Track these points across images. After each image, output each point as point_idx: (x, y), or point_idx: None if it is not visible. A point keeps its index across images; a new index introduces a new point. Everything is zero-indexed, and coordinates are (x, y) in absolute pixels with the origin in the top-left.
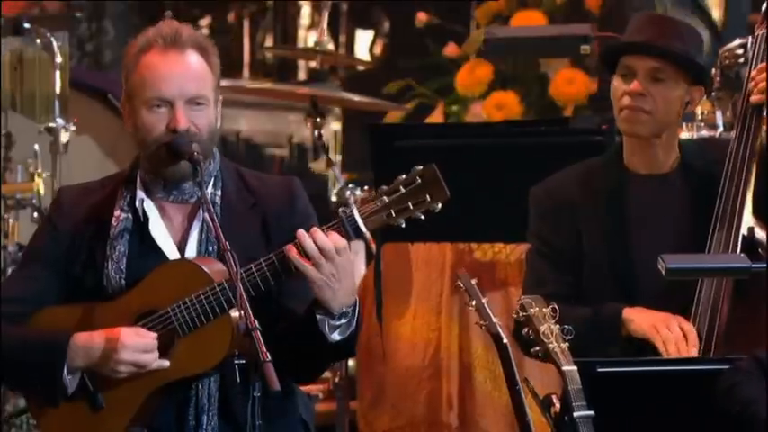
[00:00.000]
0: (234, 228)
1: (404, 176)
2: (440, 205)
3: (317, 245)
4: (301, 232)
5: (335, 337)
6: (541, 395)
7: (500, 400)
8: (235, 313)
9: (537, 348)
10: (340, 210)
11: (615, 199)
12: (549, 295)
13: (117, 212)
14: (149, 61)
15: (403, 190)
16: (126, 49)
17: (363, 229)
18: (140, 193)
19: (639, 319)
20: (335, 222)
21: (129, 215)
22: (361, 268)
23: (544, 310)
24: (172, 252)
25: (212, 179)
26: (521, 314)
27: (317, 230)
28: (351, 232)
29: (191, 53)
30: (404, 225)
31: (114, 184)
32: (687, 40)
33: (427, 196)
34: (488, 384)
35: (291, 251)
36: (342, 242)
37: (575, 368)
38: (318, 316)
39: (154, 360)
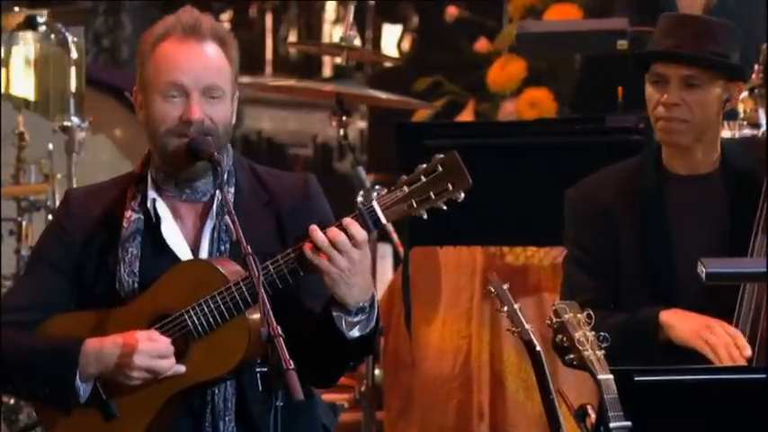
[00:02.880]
0: (248, 225)
1: (424, 165)
2: (462, 194)
3: (329, 239)
4: (313, 227)
5: (354, 333)
6: (576, 405)
7: (533, 410)
8: (253, 315)
9: (571, 356)
10: (359, 201)
11: (654, 201)
12: (585, 302)
13: (128, 213)
14: (167, 49)
15: (424, 179)
16: (142, 36)
17: (383, 220)
18: (151, 193)
19: (681, 326)
20: (354, 214)
21: (141, 216)
22: (388, 272)
23: (579, 316)
24: (185, 253)
25: (225, 175)
26: (554, 321)
27: (331, 227)
28: (370, 224)
29: (210, 44)
30: (425, 216)
31: (124, 183)
32: (720, 39)
33: (449, 185)
34: (521, 394)
35: (307, 247)
36: (361, 234)
37: (611, 377)
38: (335, 313)
39: (170, 366)
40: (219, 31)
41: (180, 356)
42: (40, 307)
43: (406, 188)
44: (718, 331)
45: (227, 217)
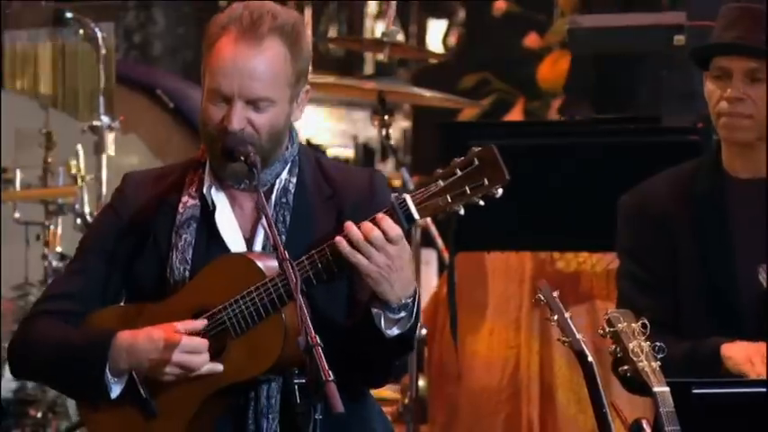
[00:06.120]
0: (307, 218)
1: (460, 159)
2: (500, 190)
3: (364, 235)
4: (348, 223)
5: (393, 332)
6: (630, 419)
7: (585, 424)
8: (289, 313)
9: (625, 367)
10: (392, 196)
11: (714, 207)
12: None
13: (185, 199)
14: (221, 46)
15: (459, 173)
16: (212, 20)
17: (417, 216)
18: (208, 180)
19: (737, 355)
20: (386, 210)
21: (198, 202)
22: (432, 279)
23: (633, 325)
24: (238, 243)
25: (288, 164)
26: (608, 330)
27: (365, 222)
28: (403, 220)
29: (269, 44)
30: (462, 211)
31: (184, 169)
32: None
33: (485, 179)
34: (572, 407)
35: (341, 243)
36: (394, 230)
37: (667, 389)
38: (374, 310)
39: (203, 362)
40: (286, 27)
41: (218, 354)
42: (87, 295)
43: (440, 182)
44: None
45: (263, 221)
